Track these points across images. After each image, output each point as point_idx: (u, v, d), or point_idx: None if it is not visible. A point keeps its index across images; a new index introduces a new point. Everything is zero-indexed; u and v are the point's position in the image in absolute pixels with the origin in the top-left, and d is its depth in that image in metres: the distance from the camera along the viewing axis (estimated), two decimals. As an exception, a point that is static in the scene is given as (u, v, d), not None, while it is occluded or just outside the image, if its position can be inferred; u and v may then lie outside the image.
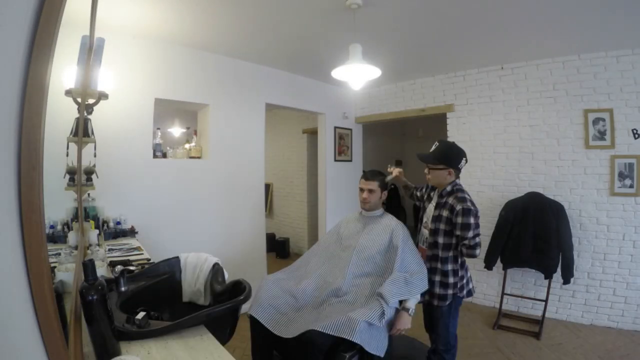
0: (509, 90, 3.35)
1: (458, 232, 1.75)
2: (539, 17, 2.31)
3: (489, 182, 3.48)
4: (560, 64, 3.07)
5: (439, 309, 1.89)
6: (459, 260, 1.88)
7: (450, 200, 1.82)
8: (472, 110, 3.59)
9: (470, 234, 1.72)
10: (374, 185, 1.97)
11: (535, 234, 2.87)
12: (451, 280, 1.85)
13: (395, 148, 6.47)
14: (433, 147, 1.94)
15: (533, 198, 3.00)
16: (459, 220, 1.74)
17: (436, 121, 4.07)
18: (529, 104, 3.25)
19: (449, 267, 1.85)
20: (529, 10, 2.20)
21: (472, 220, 1.73)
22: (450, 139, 3.68)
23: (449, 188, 1.89)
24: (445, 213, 1.83)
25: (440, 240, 1.87)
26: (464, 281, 1.91)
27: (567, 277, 2.79)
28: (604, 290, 2.89)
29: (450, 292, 1.85)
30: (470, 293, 1.94)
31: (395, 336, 1.72)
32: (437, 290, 1.87)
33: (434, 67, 3.60)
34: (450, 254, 1.86)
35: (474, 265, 3.47)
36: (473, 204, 1.79)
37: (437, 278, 1.87)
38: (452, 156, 1.89)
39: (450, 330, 1.92)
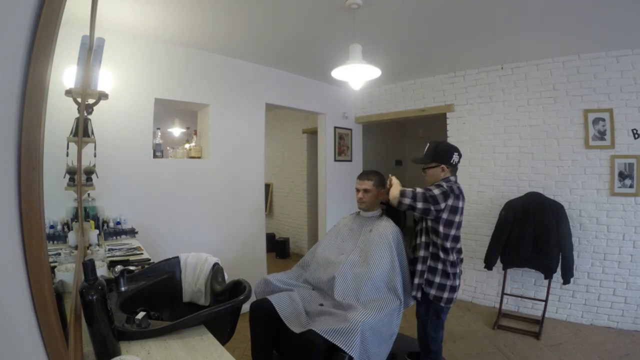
0: (509, 90, 3.35)
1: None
2: (539, 17, 2.31)
3: (489, 182, 3.47)
4: (560, 64, 3.07)
5: (419, 305, 1.90)
6: (449, 260, 1.78)
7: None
8: (472, 110, 3.59)
9: (422, 190, 1.74)
10: (369, 184, 1.97)
11: (535, 234, 2.87)
12: (437, 280, 1.79)
13: (395, 148, 6.47)
14: (425, 149, 1.96)
15: (533, 198, 3.00)
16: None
17: (436, 121, 4.07)
18: (529, 104, 3.25)
19: (433, 264, 1.83)
20: (529, 10, 2.20)
21: (435, 191, 1.73)
22: (450, 139, 3.69)
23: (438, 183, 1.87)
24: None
25: (423, 238, 1.88)
26: (448, 285, 1.79)
27: (567, 277, 2.78)
28: (604, 290, 2.89)
29: (432, 292, 1.79)
30: (449, 301, 1.81)
31: (399, 339, 1.73)
32: (424, 286, 1.83)
33: (434, 67, 3.60)
34: (430, 251, 1.84)
35: (474, 265, 3.47)
36: (452, 190, 1.74)
37: (427, 276, 1.84)
38: (441, 152, 1.89)
39: (429, 333, 1.85)
